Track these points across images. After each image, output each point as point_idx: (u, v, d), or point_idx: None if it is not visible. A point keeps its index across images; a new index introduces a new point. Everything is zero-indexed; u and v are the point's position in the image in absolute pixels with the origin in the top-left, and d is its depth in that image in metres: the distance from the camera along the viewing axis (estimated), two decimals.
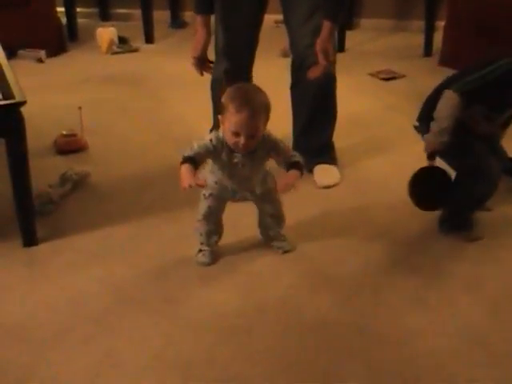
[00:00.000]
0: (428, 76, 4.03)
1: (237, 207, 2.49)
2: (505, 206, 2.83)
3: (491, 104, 2.47)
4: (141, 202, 2.92)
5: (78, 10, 5.67)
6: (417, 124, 2.66)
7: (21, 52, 4.89)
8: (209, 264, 2.44)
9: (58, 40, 5.14)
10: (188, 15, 5.99)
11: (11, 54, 4.37)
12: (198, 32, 2.86)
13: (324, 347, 2.05)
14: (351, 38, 5.22)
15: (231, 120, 2.15)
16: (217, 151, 2.24)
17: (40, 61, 4.89)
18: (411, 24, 5.61)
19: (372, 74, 4.63)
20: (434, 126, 2.47)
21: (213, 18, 2.93)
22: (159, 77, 4.60)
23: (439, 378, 1.94)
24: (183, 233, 2.64)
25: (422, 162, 2.65)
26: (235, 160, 2.26)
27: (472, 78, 2.45)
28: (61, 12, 5.35)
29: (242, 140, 2.17)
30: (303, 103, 3.07)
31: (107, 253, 2.54)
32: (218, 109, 3.12)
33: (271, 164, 2.36)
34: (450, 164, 2.61)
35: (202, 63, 2.89)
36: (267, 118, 2.22)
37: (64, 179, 2.96)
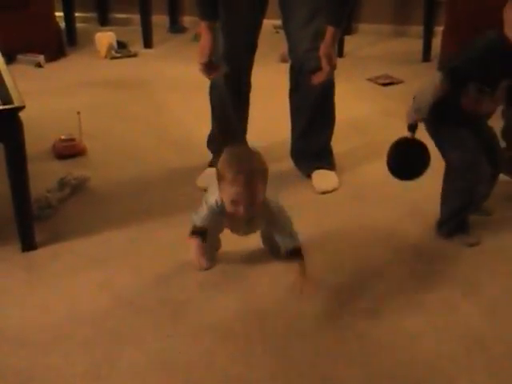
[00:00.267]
0: None
1: None
2: (502, 209, 2.83)
3: (482, 79, 2.42)
4: (140, 205, 2.92)
5: (77, 14, 5.67)
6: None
7: (19, 57, 4.89)
8: (207, 268, 2.44)
9: (57, 44, 5.14)
10: (187, 20, 5.99)
11: (10, 59, 4.37)
12: (204, 37, 2.82)
13: (323, 351, 2.05)
14: (350, 42, 5.23)
15: (229, 191, 2.11)
16: (219, 216, 2.25)
17: (39, 65, 4.89)
18: (410, 29, 5.62)
19: (370, 79, 4.64)
20: (413, 103, 2.47)
21: None
22: (158, 81, 4.61)
23: (438, 381, 1.94)
24: (183, 237, 2.63)
25: None
26: (236, 222, 2.28)
27: (456, 55, 2.46)
28: (59, 16, 5.35)
29: (241, 209, 2.13)
30: (302, 108, 3.08)
31: (106, 257, 2.54)
32: (216, 113, 3.14)
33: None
34: (443, 156, 2.60)
35: (209, 68, 2.87)
36: (265, 183, 2.16)
37: (62, 184, 2.97)
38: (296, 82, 3.02)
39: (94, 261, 2.52)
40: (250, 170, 2.10)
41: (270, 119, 3.63)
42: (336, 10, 2.70)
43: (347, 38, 5.16)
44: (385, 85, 4.56)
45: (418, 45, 5.10)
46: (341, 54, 5.05)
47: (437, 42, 4.90)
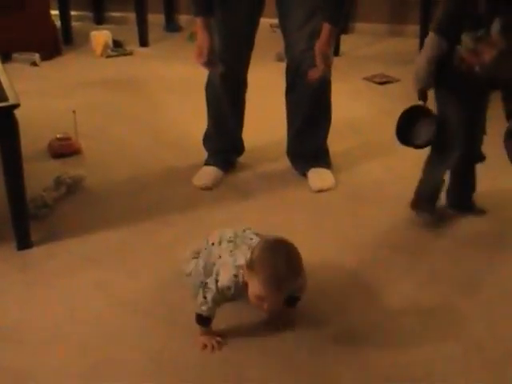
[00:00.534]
0: None
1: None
2: (499, 209, 2.84)
3: (472, 23, 2.34)
4: (136, 205, 2.91)
5: (73, 13, 5.64)
6: None
7: (15, 55, 4.87)
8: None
9: (53, 43, 5.11)
10: (183, 19, 5.98)
11: (6, 58, 4.35)
12: (200, 37, 2.77)
13: (319, 351, 2.05)
14: (346, 42, 5.22)
15: (257, 287, 1.94)
16: (235, 293, 2.05)
17: (34, 64, 4.87)
18: (406, 28, 5.61)
19: (367, 79, 4.63)
20: (413, 71, 2.47)
21: None
22: (154, 80, 4.59)
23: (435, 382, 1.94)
24: (179, 236, 2.64)
25: (418, 166, 2.66)
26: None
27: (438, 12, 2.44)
28: (55, 15, 5.33)
29: (265, 306, 1.97)
30: (298, 107, 3.07)
31: (102, 256, 2.54)
32: (212, 112, 3.13)
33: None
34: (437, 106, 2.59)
35: (209, 64, 2.83)
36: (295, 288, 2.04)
37: (58, 183, 2.95)
38: (292, 81, 3.01)
39: (90, 260, 2.51)
40: (283, 279, 1.93)
41: (265, 118, 3.62)
42: (333, 7, 2.70)
43: (343, 37, 5.15)
44: (381, 84, 4.56)
45: (414, 44, 5.07)
46: (337, 53, 5.03)
47: None
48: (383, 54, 5.28)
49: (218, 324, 2.12)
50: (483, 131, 2.62)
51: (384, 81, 4.58)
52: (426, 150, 2.63)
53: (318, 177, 3.10)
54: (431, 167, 2.68)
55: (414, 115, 2.53)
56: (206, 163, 3.17)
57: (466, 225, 2.74)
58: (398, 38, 5.62)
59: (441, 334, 2.13)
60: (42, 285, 2.37)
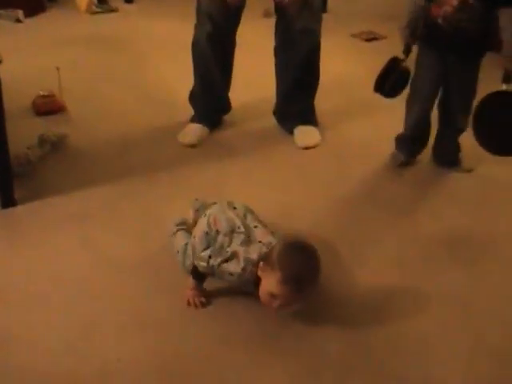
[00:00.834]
0: None
1: None
2: (484, 167, 2.84)
3: None
4: (122, 163, 2.89)
5: None
6: None
7: None
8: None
9: None
10: None
11: None
12: None
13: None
14: None
15: (274, 284, 1.88)
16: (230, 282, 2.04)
17: (18, 21, 4.80)
18: None
19: (354, 35, 4.61)
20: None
21: None
22: (139, 37, 4.53)
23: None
24: (164, 195, 2.63)
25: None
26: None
27: None
28: None
29: (276, 303, 1.91)
30: (288, 70, 3.04)
31: (87, 214, 2.52)
32: (198, 71, 3.09)
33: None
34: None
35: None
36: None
37: (42, 140, 2.93)
38: (282, 40, 2.98)
39: (75, 218, 2.49)
40: (306, 282, 1.90)
41: (252, 76, 3.59)
42: None
43: None
44: (368, 40, 4.53)
45: (401, 1, 5.04)
46: (324, 9, 4.98)
47: None
48: (370, 10, 5.24)
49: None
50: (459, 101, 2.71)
51: (371, 37, 4.56)
52: None
53: (305, 134, 3.09)
54: (407, 106, 2.81)
55: (391, 68, 2.64)
56: (192, 120, 3.15)
57: (451, 181, 2.75)
58: None
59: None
60: (26, 242, 2.36)
